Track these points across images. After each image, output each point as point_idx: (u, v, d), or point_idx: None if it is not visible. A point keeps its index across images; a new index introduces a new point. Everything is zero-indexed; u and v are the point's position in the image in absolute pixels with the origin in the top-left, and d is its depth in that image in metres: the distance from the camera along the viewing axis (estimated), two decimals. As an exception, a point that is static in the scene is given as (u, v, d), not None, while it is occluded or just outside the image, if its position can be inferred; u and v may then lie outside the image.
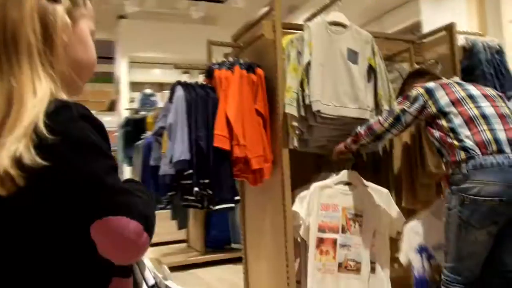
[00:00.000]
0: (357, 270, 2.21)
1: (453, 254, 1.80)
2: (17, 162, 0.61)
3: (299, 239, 2.26)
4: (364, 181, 2.32)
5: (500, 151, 1.69)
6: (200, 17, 6.92)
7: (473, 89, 1.93)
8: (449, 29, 2.94)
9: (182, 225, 4.69)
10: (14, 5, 0.69)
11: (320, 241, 2.20)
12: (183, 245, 5.23)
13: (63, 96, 0.70)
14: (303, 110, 2.27)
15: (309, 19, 2.70)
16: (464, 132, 1.77)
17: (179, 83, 2.36)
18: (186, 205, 2.49)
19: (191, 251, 4.77)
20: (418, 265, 2.24)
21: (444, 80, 2.07)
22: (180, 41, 7.41)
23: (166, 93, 7.38)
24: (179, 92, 2.28)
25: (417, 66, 2.85)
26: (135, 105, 7.20)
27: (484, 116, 1.79)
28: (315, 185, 2.24)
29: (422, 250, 2.25)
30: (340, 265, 2.20)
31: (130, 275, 0.78)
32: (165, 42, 7.35)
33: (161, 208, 4.71)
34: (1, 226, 0.67)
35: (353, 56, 2.37)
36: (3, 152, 0.62)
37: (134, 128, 6.20)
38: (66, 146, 0.64)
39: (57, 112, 0.65)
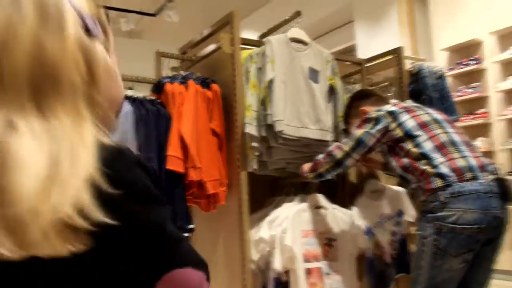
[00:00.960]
0: None
1: (425, 283, 1.72)
2: (82, 214, 0.50)
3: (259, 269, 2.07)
4: (330, 203, 2.21)
5: (475, 178, 1.65)
6: (128, 30, 6.55)
7: (435, 113, 1.90)
8: (397, 53, 2.97)
9: None
10: (54, 42, 0.57)
11: (308, 272, 2.03)
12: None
13: (105, 138, 0.59)
14: (263, 130, 2.12)
15: (265, 34, 2.57)
16: (438, 158, 1.69)
17: (125, 97, 2.09)
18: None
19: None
20: (368, 246, 2.19)
21: (405, 104, 2.03)
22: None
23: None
24: (126, 107, 2.02)
25: (369, 88, 2.83)
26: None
27: (454, 143, 1.75)
28: (293, 210, 2.08)
29: (368, 231, 2.20)
30: None
31: None
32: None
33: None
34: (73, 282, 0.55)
35: (314, 75, 2.28)
36: (66, 205, 0.50)
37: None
38: (130, 201, 0.56)
39: (113, 160, 0.57)
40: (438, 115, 1.89)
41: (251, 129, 2.07)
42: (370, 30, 4.97)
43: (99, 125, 0.60)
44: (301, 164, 2.30)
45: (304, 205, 2.16)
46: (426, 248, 1.68)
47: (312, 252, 2.10)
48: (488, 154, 3.97)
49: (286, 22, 2.42)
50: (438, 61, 4.36)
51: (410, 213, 2.38)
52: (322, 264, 2.11)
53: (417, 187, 1.76)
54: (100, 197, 0.53)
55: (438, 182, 1.65)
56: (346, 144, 1.88)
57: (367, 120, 1.88)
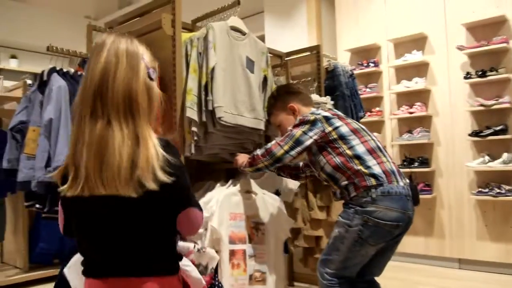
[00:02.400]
0: (263, 280, 2.18)
1: (339, 263, 1.93)
2: (156, 180, 1.06)
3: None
4: (260, 189, 2.30)
5: (397, 181, 1.90)
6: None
7: (356, 123, 2.11)
8: (317, 50, 3.17)
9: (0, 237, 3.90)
10: (135, 82, 1.10)
11: (232, 253, 2.09)
12: (-5, 261, 4.37)
13: (157, 135, 1.14)
14: (203, 115, 2.13)
15: (198, 19, 2.57)
16: (370, 160, 1.90)
17: (54, 70, 1.94)
18: (55, 218, 2.06)
19: (8, 269, 3.99)
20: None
21: (334, 111, 2.21)
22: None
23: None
24: (59, 81, 1.89)
25: (292, 81, 2.98)
26: None
27: (379, 148, 1.99)
28: (223, 193, 2.12)
29: None
30: (250, 277, 2.13)
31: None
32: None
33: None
34: (135, 209, 1.08)
35: (250, 65, 2.34)
36: (149, 176, 1.05)
37: None
38: (181, 167, 1.16)
39: (167, 146, 1.13)
40: (360, 125, 2.10)
41: (192, 113, 2.07)
42: (279, 23, 5.16)
43: (152, 128, 1.13)
44: (232, 151, 2.37)
45: (235, 189, 2.23)
46: (349, 235, 1.89)
47: (238, 234, 2.18)
48: (380, 148, 4.43)
49: (223, 9, 2.44)
50: (341, 61, 4.71)
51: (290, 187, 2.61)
52: (246, 247, 2.20)
53: (347, 184, 1.93)
54: (168, 165, 1.08)
55: (372, 181, 1.86)
56: (286, 143, 1.99)
57: (304, 122, 2.00)
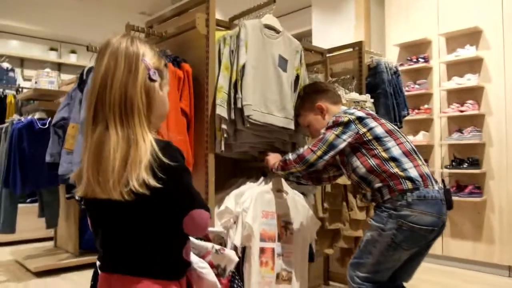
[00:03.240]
0: (289, 280, 2.18)
1: (371, 267, 1.89)
2: (144, 184, 1.03)
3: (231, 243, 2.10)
4: (290, 188, 2.29)
5: (433, 185, 1.85)
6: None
7: (391, 124, 2.04)
8: (359, 46, 3.09)
9: (52, 223, 4.15)
10: (132, 84, 1.08)
11: (261, 251, 2.11)
12: (49, 245, 4.66)
13: (158, 137, 1.13)
14: (233, 113, 2.15)
15: (235, 17, 2.58)
16: (407, 163, 1.85)
17: (92, 69, 2.03)
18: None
19: (60, 253, 4.25)
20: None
21: (367, 110, 2.13)
22: (49, 11, 6.60)
23: (30, 72, 6.60)
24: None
25: (330, 79, 2.93)
26: (-11, 80, 6.17)
27: (414, 151, 1.93)
28: (257, 190, 2.14)
29: None
30: (277, 276, 2.14)
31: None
32: (29, 11, 6.47)
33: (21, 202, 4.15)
34: (130, 212, 1.09)
35: (283, 63, 2.33)
36: (134, 178, 1.02)
37: (-10, 107, 5.34)
38: (178, 169, 1.10)
39: (165, 148, 1.09)
40: (394, 126, 2.04)
41: (222, 111, 2.10)
42: (327, 18, 5.08)
43: (153, 130, 1.12)
44: (262, 149, 2.37)
45: (267, 187, 2.23)
46: (382, 239, 1.84)
47: (268, 232, 2.19)
48: (429, 147, 4.27)
49: (259, 7, 2.44)
50: (390, 56, 4.56)
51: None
52: (275, 245, 2.20)
53: (381, 186, 1.87)
54: (160, 167, 1.05)
55: (408, 185, 1.81)
56: (319, 148, 1.94)
57: (337, 123, 1.94)
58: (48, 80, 6.13)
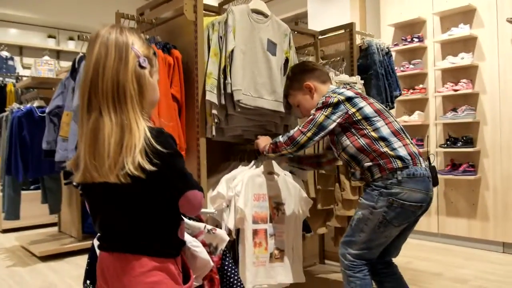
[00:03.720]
0: (281, 258, 2.26)
1: (363, 244, 1.95)
2: (139, 167, 1.09)
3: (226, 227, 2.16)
4: (281, 169, 2.35)
5: (421, 163, 1.90)
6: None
7: (379, 103, 2.06)
8: (350, 28, 3.11)
9: (56, 209, 4.25)
10: (123, 71, 1.13)
11: (254, 233, 2.17)
12: (53, 230, 4.77)
13: (148, 123, 1.17)
14: (223, 98, 2.19)
15: (224, 2, 2.61)
16: (396, 142, 1.90)
17: (84, 58, 2.07)
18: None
19: (64, 237, 4.36)
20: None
21: (356, 89, 2.15)
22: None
23: (29, 60, 6.63)
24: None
25: (321, 61, 2.96)
26: (-12, 69, 6.22)
27: (402, 130, 1.98)
28: (247, 174, 2.19)
29: None
30: (270, 255, 2.22)
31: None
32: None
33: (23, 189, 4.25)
34: (128, 195, 1.16)
35: (272, 47, 2.36)
36: (129, 162, 1.08)
37: (-10, 96, 5.40)
38: (171, 155, 1.15)
39: (158, 135, 1.14)
40: (382, 105, 2.07)
41: (212, 96, 2.14)
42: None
43: (145, 116, 1.17)
44: (254, 132, 2.42)
45: (258, 170, 2.28)
46: (373, 217, 1.90)
47: (260, 214, 2.25)
48: (424, 127, 4.30)
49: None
50: (385, 36, 4.57)
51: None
52: (268, 226, 2.26)
53: (371, 165, 1.92)
54: (154, 153, 1.10)
55: (398, 163, 1.86)
56: (308, 130, 1.97)
57: (327, 104, 1.96)
58: (47, 68, 6.19)
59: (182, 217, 1.31)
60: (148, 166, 1.09)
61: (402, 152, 1.88)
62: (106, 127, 1.10)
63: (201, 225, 1.53)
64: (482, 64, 3.92)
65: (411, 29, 4.39)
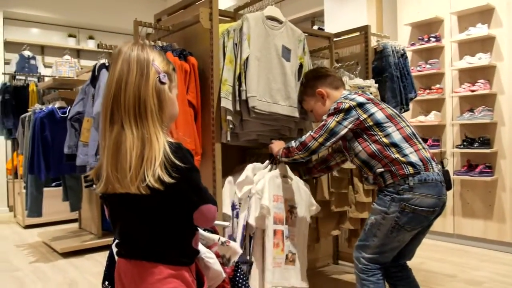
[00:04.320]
0: (293, 261, 2.31)
1: (376, 248, 1.97)
2: (159, 179, 1.14)
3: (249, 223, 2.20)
4: (293, 175, 2.39)
5: (433, 168, 1.92)
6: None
7: (391, 108, 2.08)
8: (365, 30, 3.12)
9: (76, 207, 4.38)
10: (145, 87, 1.19)
11: (274, 233, 2.22)
12: (74, 226, 4.91)
13: (168, 138, 1.21)
14: (238, 104, 2.24)
15: (240, 8, 2.65)
16: (407, 148, 1.91)
17: (104, 66, 2.14)
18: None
19: (84, 234, 4.48)
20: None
21: (367, 95, 2.12)
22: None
23: (50, 59, 6.78)
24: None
25: (336, 64, 2.98)
26: (11, 68, 6.38)
27: (414, 135, 1.99)
28: (268, 175, 2.23)
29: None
30: (286, 257, 2.27)
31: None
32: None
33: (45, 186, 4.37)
34: (146, 205, 1.22)
35: (286, 53, 2.39)
36: (150, 174, 1.13)
37: (13, 96, 5.55)
38: (189, 170, 1.21)
39: (177, 150, 1.19)
40: (394, 110, 2.08)
41: (227, 103, 2.19)
42: (339, -1, 5.06)
43: (165, 130, 1.22)
44: (269, 137, 2.47)
45: (276, 172, 2.32)
46: (386, 222, 1.92)
47: (279, 215, 2.28)
48: (440, 127, 4.28)
49: (261, -2, 2.50)
50: (401, 36, 4.55)
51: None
52: (284, 228, 2.31)
53: (383, 171, 1.94)
54: (172, 167, 1.15)
55: (410, 169, 1.88)
56: (321, 136, 2.01)
57: (339, 110, 2.00)
58: (69, 67, 6.33)
59: (197, 228, 1.36)
60: (167, 179, 1.14)
61: (414, 158, 1.90)
62: (128, 140, 1.16)
63: (215, 236, 1.58)
64: (500, 64, 3.87)
65: (428, 28, 4.36)
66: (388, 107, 2.06)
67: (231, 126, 2.25)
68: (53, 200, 4.88)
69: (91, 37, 7.40)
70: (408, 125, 2.02)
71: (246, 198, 2.24)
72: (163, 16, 2.74)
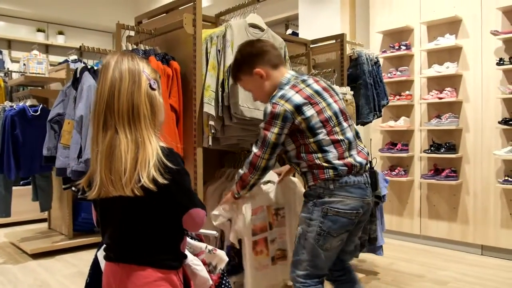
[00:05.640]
0: (284, 256, 2.39)
1: (308, 262, 1.87)
2: (153, 180, 1.20)
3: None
4: (277, 175, 2.43)
5: (359, 171, 1.87)
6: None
7: (333, 103, 1.94)
8: (340, 38, 3.21)
9: (46, 207, 4.29)
10: (137, 93, 1.25)
11: (254, 243, 2.29)
12: (43, 227, 4.81)
13: (161, 143, 1.27)
14: (220, 109, 2.28)
15: (221, 14, 2.68)
16: (333, 152, 1.85)
17: (86, 68, 2.13)
18: (82, 199, 2.30)
19: (54, 235, 4.41)
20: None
21: (306, 90, 1.92)
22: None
23: (18, 53, 6.59)
24: (89, 80, 2.08)
25: (313, 71, 3.05)
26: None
27: (348, 139, 1.91)
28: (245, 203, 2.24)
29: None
30: (272, 258, 2.34)
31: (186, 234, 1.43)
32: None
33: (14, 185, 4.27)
34: (139, 208, 1.26)
35: (268, 60, 2.44)
36: (144, 175, 1.19)
37: (-22, 91, 5.38)
38: (180, 172, 1.27)
39: (169, 154, 1.26)
40: (336, 106, 1.94)
41: (209, 108, 2.22)
42: (313, 3, 5.15)
43: (156, 134, 1.27)
44: (250, 141, 2.51)
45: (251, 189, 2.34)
46: (311, 229, 1.85)
47: (259, 225, 2.32)
48: (409, 132, 4.44)
49: (243, 6, 2.53)
50: (373, 43, 4.69)
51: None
52: (268, 234, 2.37)
53: (306, 171, 1.90)
54: (167, 169, 1.21)
55: (330, 173, 1.83)
56: (264, 152, 1.91)
57: (274, 116, 1.86)
58: (36, 62, 6.16)
59: (185, 232, 1.40)
60: (161, 179, 1.20)
61: (337, 162, 1.84)
62: (122, 144, 1.21)
63: (202, 245, 1.63)
64: (466, 73, 4.06)
65: (399, 36, 4.51)
66: (330, 106, 1.92)
67: (213, 131, 2.29)
68: (21, 199, 4.78)
69: (60, 32, 7.24)
70: (342, 129, 1.91)
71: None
72: (144, 20, 2.74)
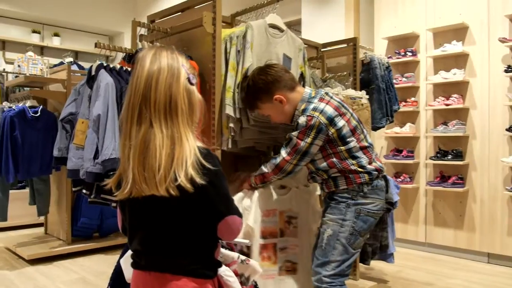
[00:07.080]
0: (294, 270, 2.28)
1: (338, 263, 1.97)
2: (190, 180, 1.12)
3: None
4: (294, 182, 2.37)
5: (381, 176, 2.05)
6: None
7: (354, 113, 2.08)
8: (353, 42, 3.17)
9: (44, 211, 4.16)
10: (176, 86, 1.17)
11: (263, 247, 2.19)
12: (39, 231, 4.67)
13: (198, 142, 1.20)
14: (237, 112, 2.21)
15: (237, 14, 2.62)
16: (364, 158, 2.00)
17: (102, 66, 2.05)
18: (100, 203, 2.20)
19: (52, 240, 4.27)
20: None
21: (335, 102, 2.03)
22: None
23: (12, 55, 6.45)
24: (107, 78, 1.99)
25: (327, 74, 3.00)
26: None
27: (371, 145, 2.08)
28: (256, 194, 2.18)
29: None
30: (280, 268, 2.24)
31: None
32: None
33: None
34: (173, 210, 1.18)
35: (287, 62, 2.39)
36: (182, 174, 1.11)
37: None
38: (218, 174, 1.19)
39: (207, 155, 1.18)
40: (355, 115, 2.10)
41: (230, 110, 2.15)
42: (316, 9, 5.13)
43: (194, 130, 1.20)
44: (267, 144, 2.45)
45: (270, 186, 2.29)
46: (344, 230, 1.97)
47: (269, 229, 2.25)
48: (415, 139, 4.42)
49: (261, 5, 2.48)
50: (378, 49, 4.67)
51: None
52: (277, 240, 2.29)
53: (338, 176, 2.01)
54: (203, 170, 1.13)
55: (366, 178, 1.98)
56: (294, 158, 1.99)
57: (309, 128, 1.93)
58: (32, 64, 6.03)
59: (219, 239, 1.31)
60: (199, 180, 1.11)
61: (369, 167, 1.99)
62: (157, 139, 1.13)
63: (234, 254, 1.54)
64: (473, 80, 4.05)
65: (404, 43, 4.50)
66: (353, 117, 2.05)
67: (232, 133, 2.22)
68: (17, 203, 4.64)
69: (56, 34, 7.11)
70: (365, 136, 2.07)
71: None
72: (156, 19, 2.67)
